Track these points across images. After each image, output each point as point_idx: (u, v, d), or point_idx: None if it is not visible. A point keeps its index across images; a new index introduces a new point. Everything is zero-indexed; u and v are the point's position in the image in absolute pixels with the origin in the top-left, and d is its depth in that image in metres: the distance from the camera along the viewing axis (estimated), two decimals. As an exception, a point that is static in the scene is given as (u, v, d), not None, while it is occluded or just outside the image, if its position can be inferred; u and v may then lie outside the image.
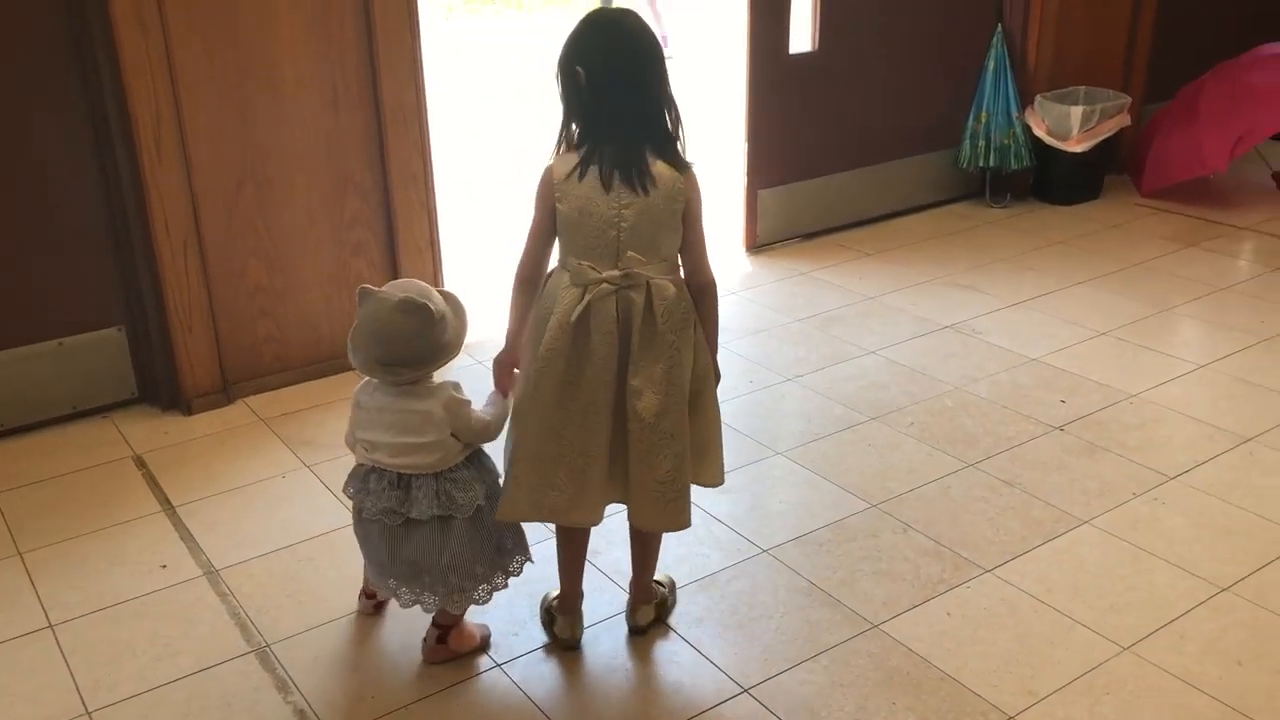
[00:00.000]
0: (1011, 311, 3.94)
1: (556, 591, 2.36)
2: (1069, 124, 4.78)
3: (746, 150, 4.41)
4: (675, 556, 2.60)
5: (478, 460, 2.20)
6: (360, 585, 2.47)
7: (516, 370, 2.18)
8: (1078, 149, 4.78)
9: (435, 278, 3.64)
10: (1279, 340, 3.64)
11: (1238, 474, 2.91)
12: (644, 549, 2.32)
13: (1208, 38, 5.46)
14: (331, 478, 2.97)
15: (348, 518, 2.75)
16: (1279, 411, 3.21)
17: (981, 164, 4.89)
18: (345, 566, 2.60)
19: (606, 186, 2.00)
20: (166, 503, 2.89)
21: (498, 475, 2.22)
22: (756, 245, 4.53)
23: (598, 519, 2.15)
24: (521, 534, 2.26)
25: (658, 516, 2.13)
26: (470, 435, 2.15)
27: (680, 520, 2.14)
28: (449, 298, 2.16)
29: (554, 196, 2.05)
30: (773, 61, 4.35)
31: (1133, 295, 4.03)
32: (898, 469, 2.97)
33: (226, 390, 3.37)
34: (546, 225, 2.09)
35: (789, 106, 4.43)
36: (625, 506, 2.17)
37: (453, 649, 2.29)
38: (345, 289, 3.50)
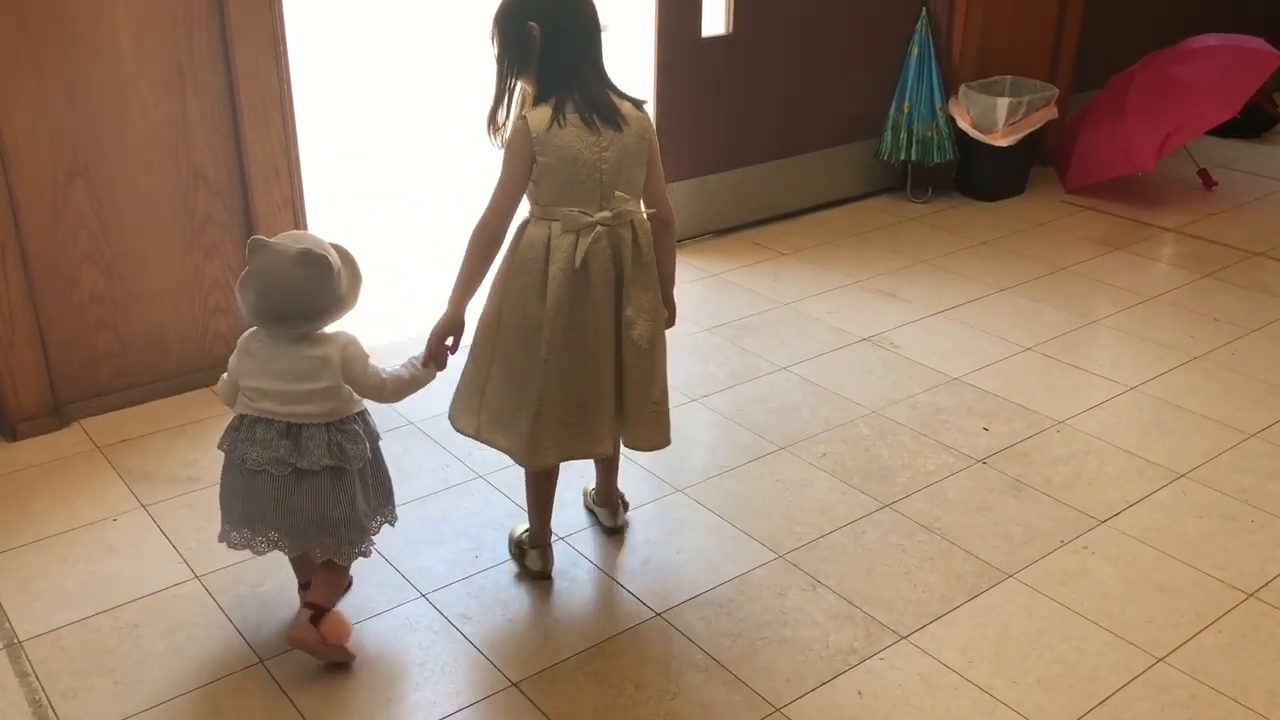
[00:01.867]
0: (932, 322, 3.69)
1: (524, 527, 2.48)
2: (994, 116, 4.53)
3: (654, 140, 4.07)
4: (560, 621, 2.30)
5: (364, 416, 2.16)
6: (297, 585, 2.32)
7: (449, 340, 2.20)
8: (1003, 143, 4.54)
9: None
10: (1207, 358, 3.44)
11: (1170, 516, 2.70)
12: (610, 466, 2.53)
13: (1139, 24, 5.27)
14: (170, 522, 2.60)
15: (185, 573, 2.43)
16: (1209, 442, 3.00)
17: (903, 157, 4.63)
18: (175, 634, 2.25)
19: (590, 128, 2.08)
20: (-28, 553, 2.50)
21: (379, 436, 2.22)
22: (664, 242, 4.21)
23: (611, 449, 2.31)
24: (391, 496, 2.26)
25: (652, 435, 2.30)
26: (364, 388, 2.13)
27: (668, 437, 2.33)
28: (342, 252, 2.10)
29: (533, 150, 2.08)
30: (683, 44, 4.02)
31: (1059, 304, 3.81)
32: (808, 509, 2.70)
33: (59, 412, 2.97)
34: (521, 180, 2.12)
35: (700, 93, 4.12)
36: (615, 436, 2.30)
37: (323, 635, 2.13)
38: (196, 297, 3.11)
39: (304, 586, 2.28)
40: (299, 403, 2.05)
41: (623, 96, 2.15)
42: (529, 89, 2.15)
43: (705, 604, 2.38)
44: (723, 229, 4.38)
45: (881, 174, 4.77)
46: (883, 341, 3.55)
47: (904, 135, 4.60)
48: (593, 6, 2.13)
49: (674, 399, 3.13)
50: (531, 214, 2.18)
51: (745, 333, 3.59)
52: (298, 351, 2.05)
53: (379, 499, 2.22)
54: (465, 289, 2.18)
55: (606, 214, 2.12)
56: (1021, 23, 4.77)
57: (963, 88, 4.62)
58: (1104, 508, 2.72)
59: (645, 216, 2.21)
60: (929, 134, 4.59)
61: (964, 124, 4.59)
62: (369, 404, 2.20)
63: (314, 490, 2.06)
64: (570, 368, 2.18)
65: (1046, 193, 4.83)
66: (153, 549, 2.52)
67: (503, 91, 2.15)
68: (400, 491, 2.46)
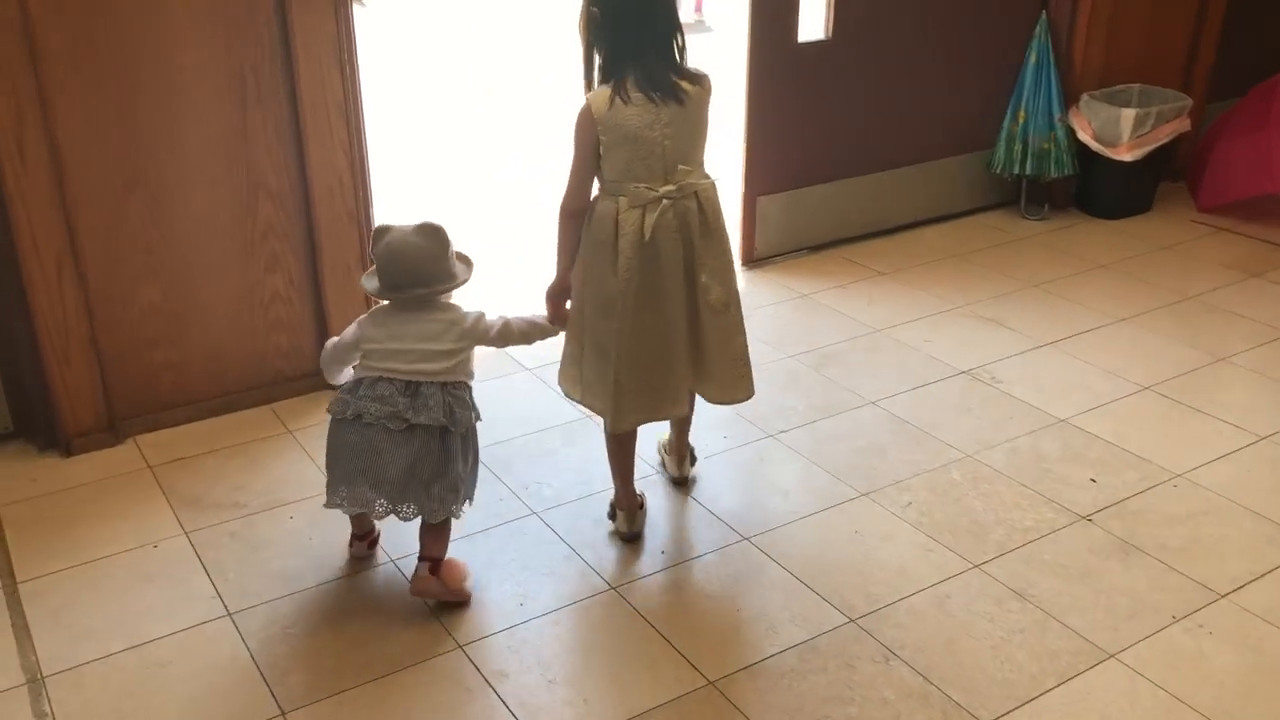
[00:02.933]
0: (1040, 354, 3.39)
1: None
2: (1119, 128, 4.18)
3: (745, 151, 3.86)
4: (601, 688, 2.12)
5: (471, 389, 2.32)
6: (346, 539, 2.47)
7: (569, 304, 2.38)
8: (1128, 158, 4.19)
9: (367, 302, 3.13)
10: (1357, 405, 3.08)
11: (1304, 593, 2.38)
12: (683, 422, 2.63)
13: (1284, 30, 4.83)
14: (211, 552, 2.50)
15: (218, 608, 2.33)
16: (1356, 504, 2.66)
17: (1017, 170, 4.30)
18: (199, 678, 2.13)
19: (651, 104, 2.18)
20: (9, 575, 2.43)
21: (479, 415, 2.34)
22: (754, 259, 3.99)
23: (686, 410, 2.48)
24: (477, 476, 2.38)
25: (735, 389, 2.43)
26: (492, 338, 2.35)
27: (751, 389, 2.46)
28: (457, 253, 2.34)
29: (596, 131, 2.20)
30: (779, 50, 3.78)
31: (1184, 338, 3.46)
32: (887, 568, 2.46)
33: (114, 428, 2.90)
34: (590, 160, 2.25)
35: (796, 102, 3.88)
36: (696, 393, 2.46)
37: (444, 582, 2.29)
38: (256, 310, 3.01)
39: (359, 538, 2.46)
40: (424, 361, 2.23)
41: (683, 74, 2.24)
42: (591, 66, 2.28)
43: (763, 673, 2.16)
44: (816, 245, 4.13)
45: (993, 188, 4.46)
46: (983, 375, 3.27)
47: (1019, 147, 4.28)
48: None
49: (749, 434, 2.97)
50: (601, 190, 2.30)
51: (831, 361, 3.35)
52: (426, 316, 2.26)
53: (472, 473, 2.34)
54: (563, 257, 2.36)
55: (671, 188, 2.23)
56: (1154, 26, 4.39)
57: (1085, 97, 4.28)
58: (1225, 579, 2.42)
59: (709, 184, 2.31)
60: (1046, 146, 4.26)
61: (1085, 136, 4.24)
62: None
63: (423, 447, 2.20)
64: (645, 335, 2.30)
65: (1176, 212, 4.45)
66: (189, 581, 2.42)
67: (588, 70, 2.28)
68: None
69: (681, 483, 2.74)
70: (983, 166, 4.38)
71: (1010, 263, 4.03)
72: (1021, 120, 4.27)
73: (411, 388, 2.22)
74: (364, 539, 2.47)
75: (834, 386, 3.20)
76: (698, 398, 2.50)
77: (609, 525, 2.59)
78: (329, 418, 2.29)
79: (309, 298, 3.07)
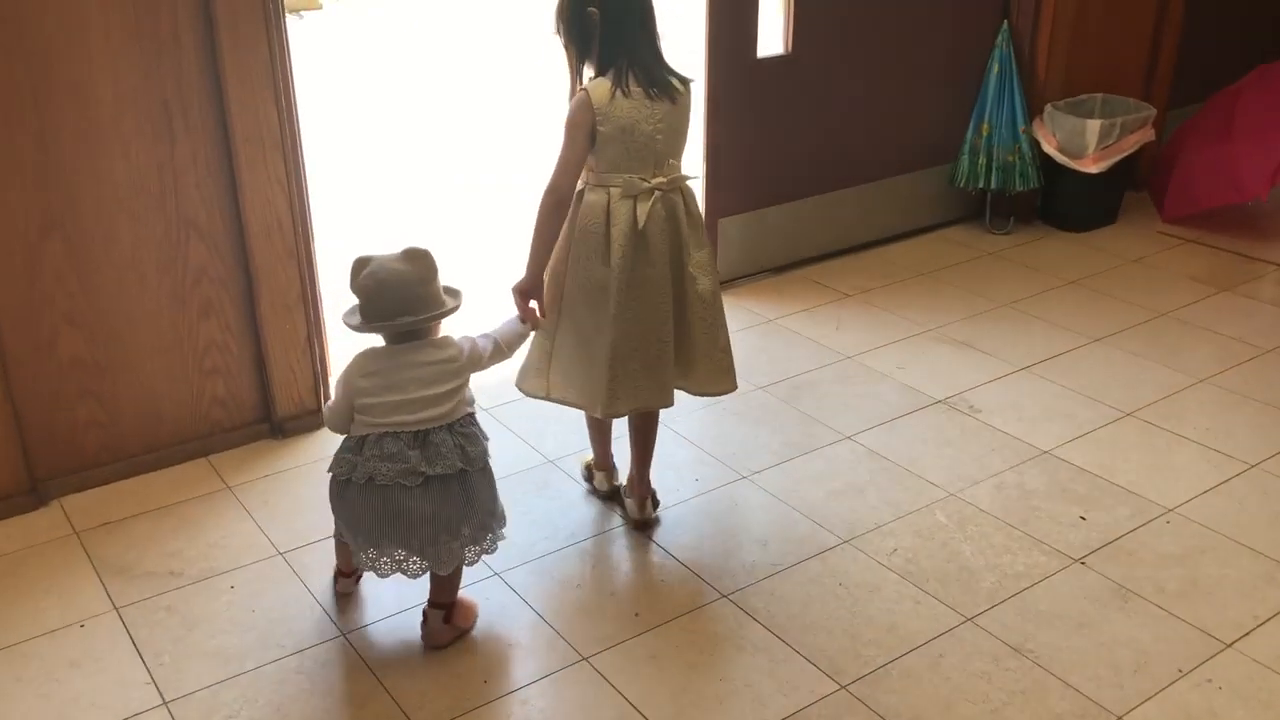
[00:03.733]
0: (1016, 379, 3.27)
1: (590, 456, 2.74)
2: (1085, 140, 4.08)
3: (705, 170, 3.70)
4: (574, 775, 1.94)
5: (475, 417, 2.20)
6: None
7: (533, 303, 2.33)
8: (1094, 169, 4.09)
9: (310, 342, 2.94)
10: (1342, 427, 2.99)
11: (1311, 638, 2.27)
12: (645, 446, 2.58)
13: (1245, 33, 4.77)
14: (144, 630, 2.29)
15: (153, 697, 2.12)
16: (1353, 536, 2.56)
17: (982, 184, 4.19)
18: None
19: (649, 99, 2.25)
20: (-82, 667, 2.20)
21: (488, 438, 2.23)
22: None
23: (672, 400, 2.45)
24: (499, 502, 2.24)
25: (720, 380, 2.46)
26: (488, 364, 2.22)
27: (735, 382, 2.50)
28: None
29: (594, 120, 2.23)
30: (737, 65, 3.63)
31: (1161, 359, 3.36)
32: (876, 624, 2.31)
33: (36, 490, 2.68)
34: (584, 148, 2.26)
35: (756, 118, 3.73)
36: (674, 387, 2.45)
37: (458, 625, 2.24)
38: (190, 357, 2.80)
39: (346, 574, 2.36)
40: (429, 407, 2.09)
41: (672, 73, 2.31)
42: (591, 67, 2.31)
43: (752, 752, 2.01)
44: (780, 266, 3.98)
45: (957, 203, 4.35)
46: (960, 404, 3.14)
47: (983, 160, 4.17)
48: None
49: (720, 475, 2.82)
50: (588, 181, 2.31)
51: (803, 392, 3.20)
52: (423, 358, 2.11)
53: (494, 502, 2.22)
54: (539, 252, 2.31)
55: (662, 180, 2.29)
56: (1114, 35, 4.31)
57: (1048, 108, 4.18)
58: (1229, 626, 2.30)
59: (688, 182, 2.38)
60: (1011, 159, 4.15)
61: (1050, 148, 4.14)
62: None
63: (443, 494, 2.08)
64: (637, 321, 2.32)
65: (1141, 223, 4.37)
66: (120, 665, 2.20)
67: (574, 75, 2.32)
68: (401, 596, 2.28)
69: (644, 525, 2.61)
70: (946, 181, 4.27)
71: (979, 280, 3.92)
72: (985, 133, 4.16)
73: (420, 437, 2.09)
74: (351, 575, 2.37)
75: (806, 420, 3.06)
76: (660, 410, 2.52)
77: (579, 585, 2.42)
78: (328, 476, 2.17)
79: (247, 342, 2.86)
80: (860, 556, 2.51)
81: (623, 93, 2.23)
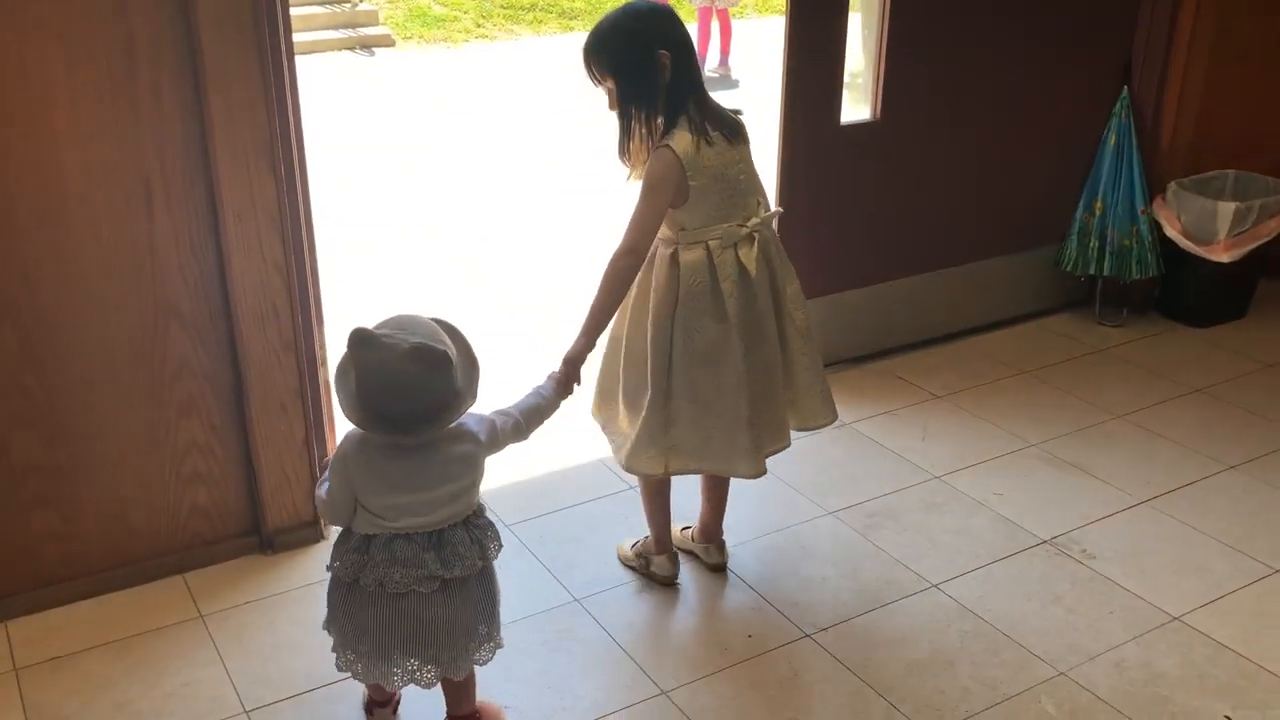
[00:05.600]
0: (1137, 516, 2.75)
1: (633, 541, 2.56)
2: (1215, 224, 3.56)
3: (776, 249, 3.25)
4: None
5: (485, 508, 1.98)
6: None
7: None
8: (1225, 258, 3.57)
9: (308, 443, 2.55)
10: None
11: None
12: (722, 495, 2.49)
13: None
14: (65, 814, 1.89)
15: None
16: None
17: (1092, 270, 3.69)
18: None
19: (729, 142, 2.16)
20: None
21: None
22: (784, 375, 3.38)
23: (790, 439, 2.35)
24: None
25: (820, 413, 2.38)
26: (501, 448, 1.97)
27: (835, 411, 2.41)
28: (451, 331, 1.88)
29: (685, 177, 2.12)
30: (817, 132, 3.19)
31: (1313, 496, 2.83)
32: None
33: (-20, 612, 2.32)
34: (663, 210, 2.14)
35: (836, 190, 3.28)
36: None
37: None
38: (167, 462, 2.42)
39: (381, 704, 2.10)
40: (445, 506, 1.86)
41: (727, 110, 2.22)
42: (656, 117, 2.15)
43: None
44: (860, 356, 3.51)
45: (1061, 288, 3.84)
46: (1071, 546, 2.63)
47: (1094, 244, 3.67)
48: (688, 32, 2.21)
49: (776, 633, 2.34)
50: (680, 241, 2.18)
51: (881, 522, 2.72)
52: (436, 458, 1.84)
53: (499, 594, 2.02)
54: (600, 318, 2.18)
55: (756, 220, 2.21)
56: (1251, 102, 3.78)
57: (1172, 186, 3.67)
58: None
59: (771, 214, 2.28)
60: (1127, 243, 3.65)
61: (1173, 232, 3.63)
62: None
63: (462, 597, 1.89)
64: (759, 369, 2.25)
65: (1275, 317, 3.82)
66: None
67: (630, 124, 2.16)
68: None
69: (719, 569, 2.54)
70: (1050, 264, 3.77)
71: (1088, 384, 3.40)
72: (1099, 212, 3.66)
73: (435, 538, 1.87)
74: (387, 704, 2.11)
75: (885, 559, 2.58)
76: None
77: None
78: (327, 576, 1.94)
79: (234, 445, 2.48)
80: (947, 758, 2.03)
81: (706, 142, 2.12)
